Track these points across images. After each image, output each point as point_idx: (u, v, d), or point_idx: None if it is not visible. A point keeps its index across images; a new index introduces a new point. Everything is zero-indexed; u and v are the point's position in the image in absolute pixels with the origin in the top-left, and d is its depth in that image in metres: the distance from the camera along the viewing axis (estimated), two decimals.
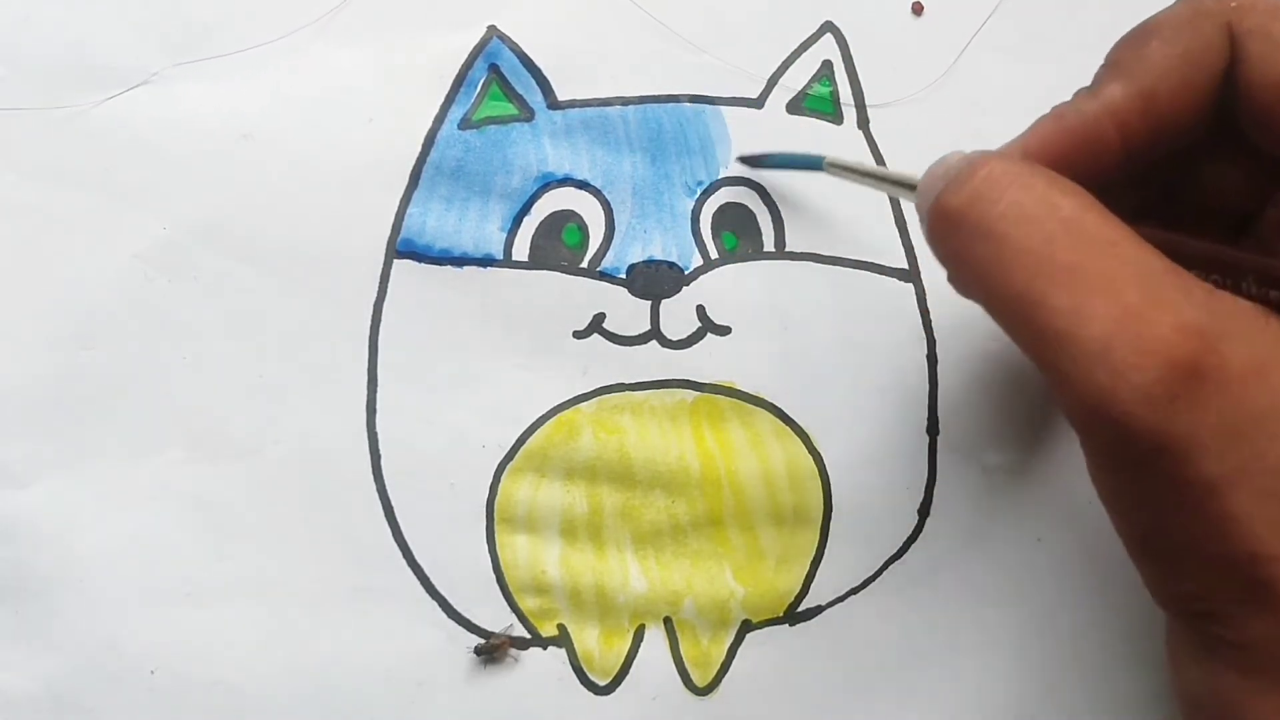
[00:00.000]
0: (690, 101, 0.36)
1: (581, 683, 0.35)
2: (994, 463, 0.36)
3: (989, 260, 0.24)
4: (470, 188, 0.35)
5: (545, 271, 0.35)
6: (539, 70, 0.35)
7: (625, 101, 0.35)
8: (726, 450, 0.35)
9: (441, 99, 0.35)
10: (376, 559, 0.34)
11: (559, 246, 0.35)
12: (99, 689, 0.33)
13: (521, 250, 0.35)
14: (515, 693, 0.34)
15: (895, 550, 0.35)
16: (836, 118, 0.36)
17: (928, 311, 0.36)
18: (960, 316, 0.35)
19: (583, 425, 0.35)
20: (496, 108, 0.35)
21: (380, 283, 0.35)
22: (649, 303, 0.35)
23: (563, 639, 0.35)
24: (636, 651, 0.35)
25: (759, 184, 0.36)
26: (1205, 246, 0.25)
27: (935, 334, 0.36)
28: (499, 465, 0.35)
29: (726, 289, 0.35)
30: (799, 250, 0.36)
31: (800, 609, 0.35)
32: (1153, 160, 0.28)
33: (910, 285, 0.36)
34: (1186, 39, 0.27)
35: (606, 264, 0.35)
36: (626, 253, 0.35)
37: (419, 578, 0.34)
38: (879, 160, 0.36)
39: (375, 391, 0.34)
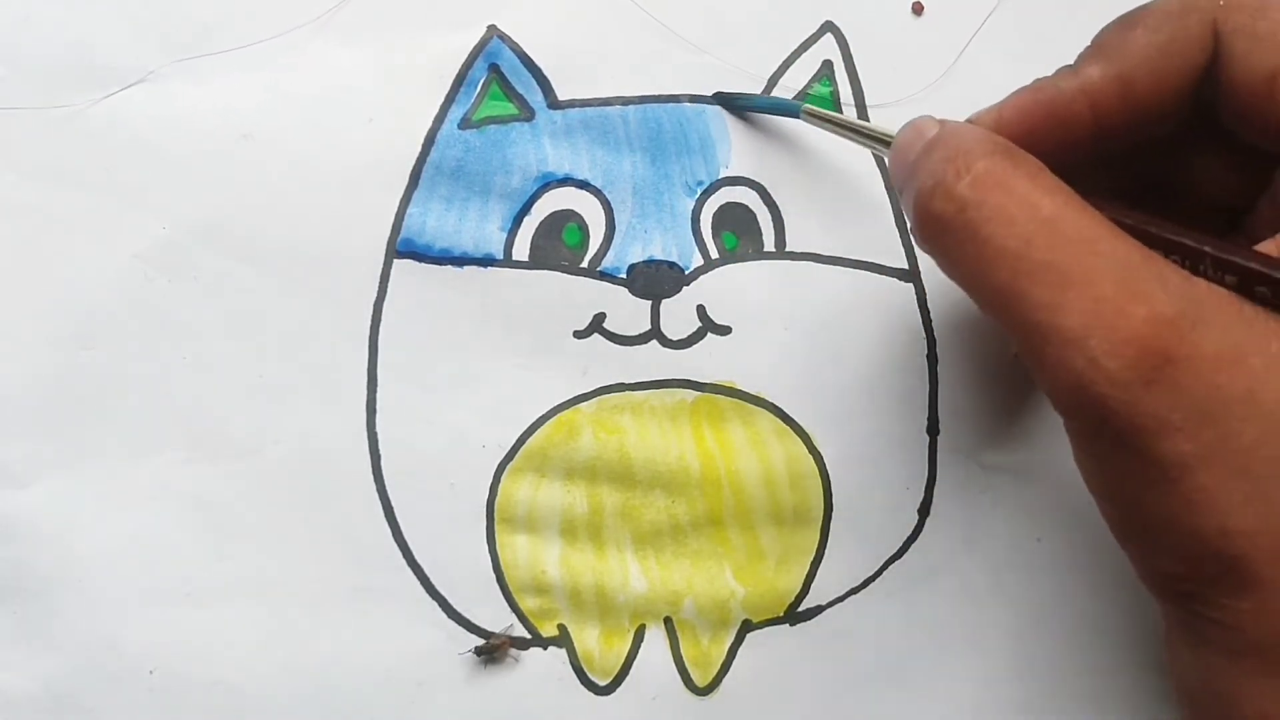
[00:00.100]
0: (690, 101, 0.36)
1: (582, 683, 0.35)
2: (993, 462, 0.36)
3: (974, 259, 0.25)
4: (470, 187, 0.35)
5: (545, 271, 0.35)
6: (539, 70, 0.35)
7: (625, 101, 0.35)
8: (726, 450, 0.35)
9: (441, 99, 0.35)
10: (376, 559, 0.34)
11: (559, 246, 0.35)
12: (99, 689, 0.33)
13: (522, 250, 0.35)
14: (515, 693, 0.34)
15: (895, 550, 0.35)
16: None
17: (928, 311, 0.36)
18: (960, 316, 0.36)
19: (583, 425, 0.35)
20: (497, 107, 0.35)
21: (380, 283, 0.35)
22: (649, 302, 0.35)
23: (563, 639, 0.35)
24: (637, 651, 0.35)
25: (759, 184, 0.36)
26: (1166, 228, 0.26)
27: (935, 334, 0.36)
28: (499, 465, 0.35)
29: (727, 289, 0.35)
30: (799, 250, 0.36)
31: (800, 609, 0.35)
32: (1129, 146, 0.29)
33: (910, 285, 0.36)
34: (1171, 30, 0.28)
35: (607, 264, 0.35)
36: (627, 252, 0.35)
37: (419, 578, 0.34)
38: (879, 160, 0.36)
39: (375, 391, 0.34)
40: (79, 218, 0.34)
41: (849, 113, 0.36)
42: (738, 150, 0.35)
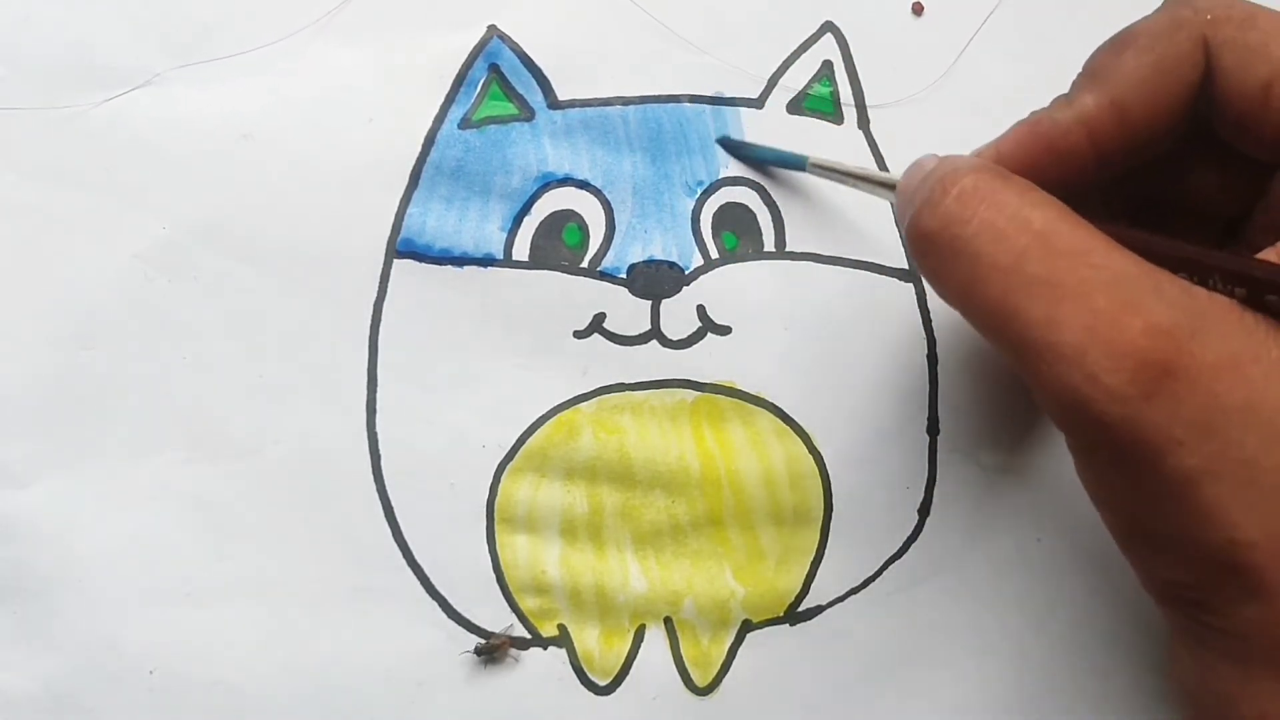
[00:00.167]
0: (690, 101, 0.36)
1: (582, 683, 0.35)
2: (993, 462, 0.36)
3: (965, 277, 0.25)
4: (470, 187, 0.35)
5: (545, 271, 0.35)
6: (539, 70, 0.35)
7: (625, 101, 0.35)
8: (726, 450, 0.35)
9: (441, 99, 0.35)
10: (376, 559, 0.34)
11: (559, 246, 0.35)
12: (99, 689, 0.33)
13: (522, 250, 0.35)
14: (515, 693, 0.34)
15: (895, 550, 0.35)
16: (837, 118, 0.36)
17: (928, 311, 0.36)
18: (960, 316, 0.35)
19: (583, 425, 0.35)
20: (497, 107, 0.35)
21: (380, 283, 0.35)
22: (649, 302, 0.35)
23: (563, 639, 0.35)
24: (637, 651, 0.35)
25: (759, 184, 0.36)
26: (1172, 244, 0.25)
27: (935, 334, 0.36)
28: (499, 465, 0.35)
29: (727, 289, 0.35)
30: (799, 250, 0.36)
31: (800, 609, 0.35)
32: (1128, 166, 0.29)
33: (910, 285, 0.36)
34: (1161, 50, 0.27)
35: (607, 264, 0.35)
36: (627, 252, 0.35)
37: (419, 578, 0.34)
38: (879, 160, 0.36)
39: (375, 391, 0.34)
40: (79, 218, 0.34)
41: (849, 113, 0.36)
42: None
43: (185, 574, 0.34)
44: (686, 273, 0.35)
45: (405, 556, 0.34)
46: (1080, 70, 0.29)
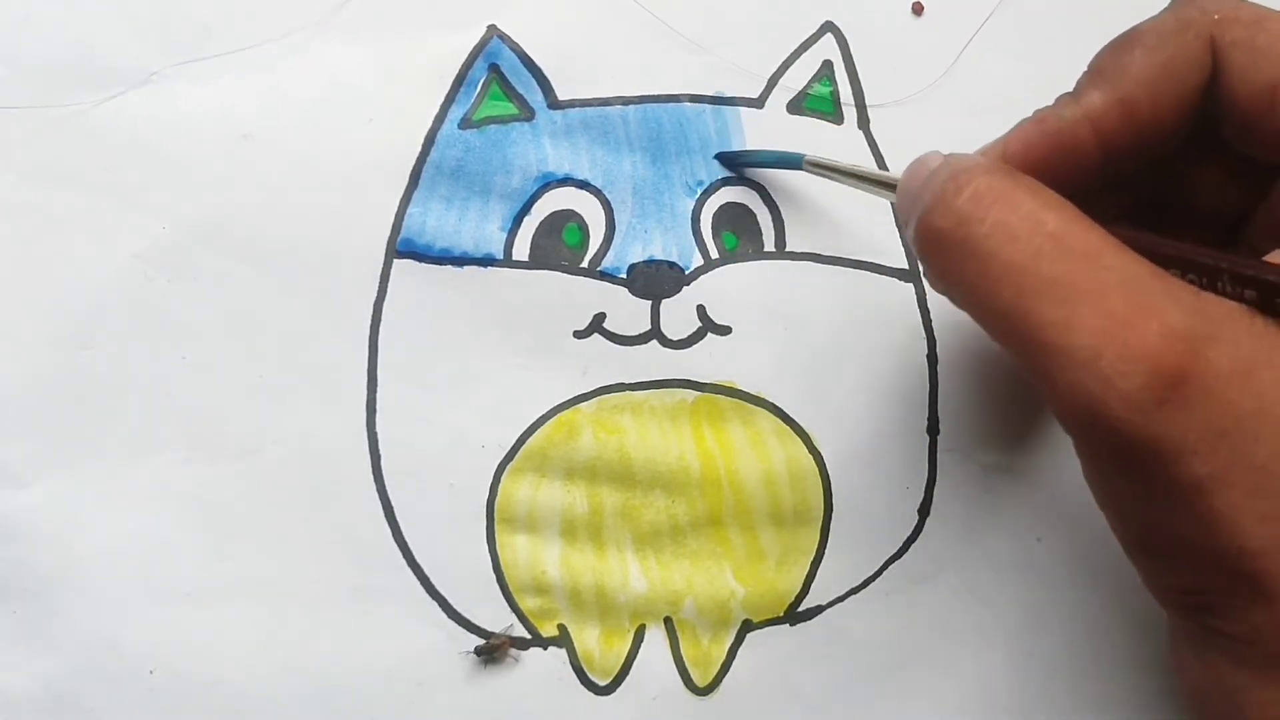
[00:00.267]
0: (690, 101, 0.36)
1: (582, 683, 0.35)
2: (993, 462, 0.36)
3: (977, 277, 0.25)
4: (470, 187, 0.35)
5: (545, 271, 0.35)
6: (539, 70, 0.35)
7: (625, 101, 0.35)
8: (726, 450, 0.35)
9: (441, 99, 0.35)
10: (376, 559, 0.34)
11: (559, 246, 0.35)
12: (99, 689, 0.33)
13: (522, 250, 0.35)
14: (515, 693, 0.34)
15: (895, 550, 0.35)
16: (837, 118, 0.36)
17: (928, 311, 0.36)
18: (960, 316, 0.35)
19: (583, 425, 0.35)
20: (497, 107, 0.35)
21: (380, 283, 0.35)
22: (649, 302, 0.35)
23: (563, 639, 0.35)
24: (637, 651, 0.35)
25: (759, 184, 0.36)
26: (1181, 247, 0.25)
27: (935, 334, 0.36)
28: (499, 465, 0.35)
29: (727, 289, 0.35)
30: (799, 250, 0.36)
31: (800, 609, 0.35)
32: (1134, 165, 0.29)
33: (910, 285, 0.36)
34: (1169, 50, 0.27)
35: (607, 264, 0.35)
36: (627, 252, 0.35)
37: (419, 578, 0.34)
38: (879, 160, 0.36)
39: (375, 391, 0.34)
40: (79, 218, 0.34)
41: (849, 113, 0.36)
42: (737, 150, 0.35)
43: (185, 574, 0.34)
44: (686, 273, 0.35)
45: (405, 556, 0.34)
46: (1085, 69, 0.29)
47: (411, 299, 0.35)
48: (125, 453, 0.34)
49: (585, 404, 0.35)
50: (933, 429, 0.36)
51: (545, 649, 0.35)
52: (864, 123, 0.36)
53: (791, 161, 0.34)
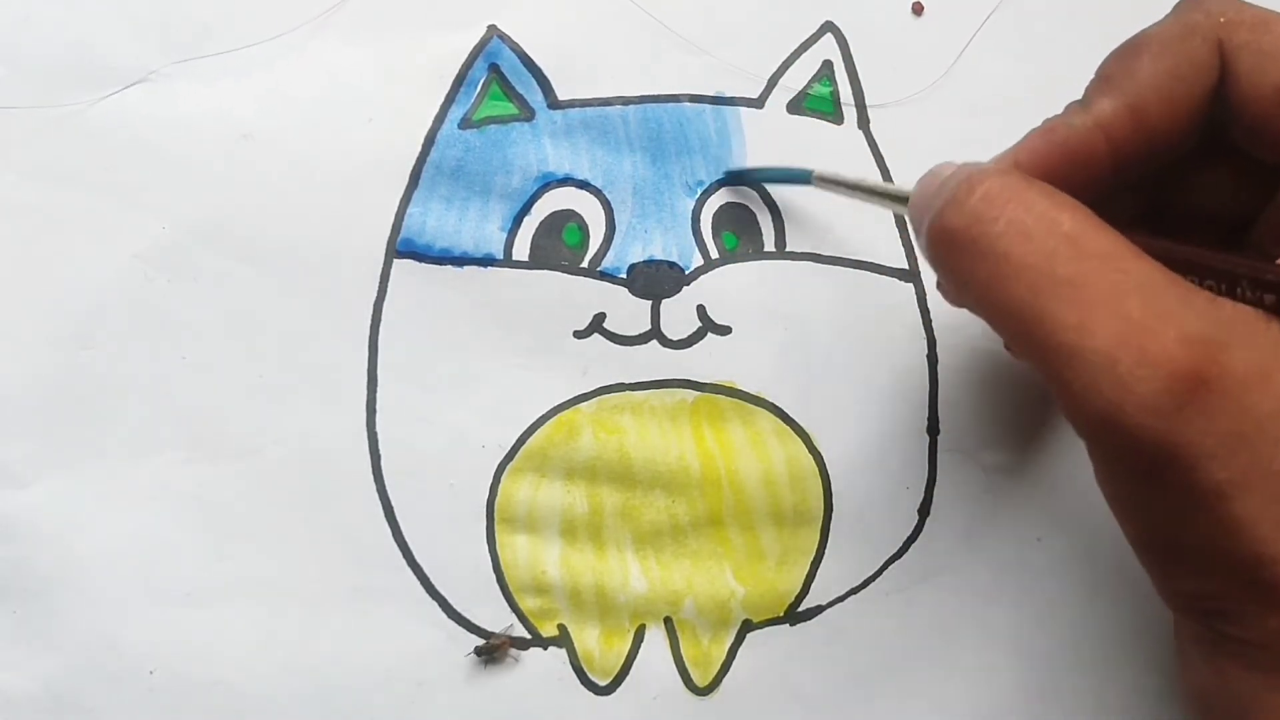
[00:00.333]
0: (690, 101, 0.36)
1: (582, 683, 0.35)
2: (993, 462, 0.36)
3: (990, 277, 0.24)
4: (470, 187, 0.35)
5: (545, 271, 0.35)
6: (539, 70, 0.35)
7: (625, 101, 0.35)
8: (727, 450, 0.35)
9: (441, 99, 0.35)
10: (376, 559, 0.34)
11: (559, 246, 0.35)
12: (99, 689, 0.33)
13: (522, 250, 0.35)
14: (515, 693, 0.34)
15: (895, 550, 0.35)
16: (837, 118, 0.36)
17: (928, 311, 0.36)
18: (960, 316, 0.35)
19: (583, 425, 0.35)
20: (497, 107, 0.35)
21: (380, 283, 0.35)
22: (649, 302, 0.35)
23: (563, 639, 0.35)
24: (637, 651, 0.35)
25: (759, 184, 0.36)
26: (1198, 252, 0.25)
27: (935, 334, 0.36)
28: (499, 465, 0.35)
29: (727, 289, 0.35)
30: (799, 250, 0.36)
31: (800, 609, 0.35)
32: (1142, 171, 0.29)
33: (910, 285, 0.36)
34: (1176, 54, 0.27)
35: (607, 264, 0.35)
36: (627, 252, 0.35)
37: (419, 578, 0.34)
38: (879, 160, 0.36)
39: (375, 391, 0.34)
40: (79, 218, 0.34)
41: (849, 113, 0.36)
42: (738, 149, 0.35)
43: (185, 574, 0.34)
44: (686, 273, 0.35)
45: (405, 556, 0.34)
46: (1093, 77, 0.29)
47: (411, 299, 0.35)
48: (125, 453, 0.34)
49: (585, 404, 0.35)
50: (933, 429, 0.36)
51: (545, 649, 0.35)
52: (864, 123, 0.36)
53: (800, 177, 0.33)
